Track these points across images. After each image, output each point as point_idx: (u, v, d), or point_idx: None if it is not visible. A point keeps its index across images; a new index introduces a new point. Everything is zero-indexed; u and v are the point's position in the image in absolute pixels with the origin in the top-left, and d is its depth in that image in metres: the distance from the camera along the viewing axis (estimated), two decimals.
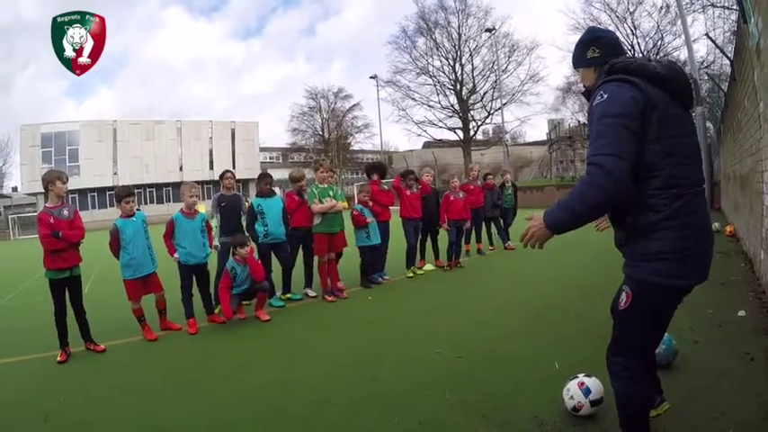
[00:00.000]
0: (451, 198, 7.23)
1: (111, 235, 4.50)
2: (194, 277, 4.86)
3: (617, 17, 24.64)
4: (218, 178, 6.04)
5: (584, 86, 1.98)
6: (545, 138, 34.46)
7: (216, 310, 5.02)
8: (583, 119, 31.63)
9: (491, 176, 9.09)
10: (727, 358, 3.03)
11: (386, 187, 6.84)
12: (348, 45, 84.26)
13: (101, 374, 3.69)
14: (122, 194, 4.52)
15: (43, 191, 4.20)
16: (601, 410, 2.41)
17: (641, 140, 1.65)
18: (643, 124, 1.65)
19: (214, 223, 5.38)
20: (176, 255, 4.72)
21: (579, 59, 1.97)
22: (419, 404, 2.78)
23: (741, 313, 3.90)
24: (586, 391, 2.39)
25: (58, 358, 3.98)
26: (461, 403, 2.75)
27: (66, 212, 4.12)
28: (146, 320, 4.58)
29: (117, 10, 66.10)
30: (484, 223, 8.79)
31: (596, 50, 1.90)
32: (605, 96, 1.69)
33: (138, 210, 4.65)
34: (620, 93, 1.68)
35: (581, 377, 2.47)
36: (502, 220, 8.96)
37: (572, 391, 2.43)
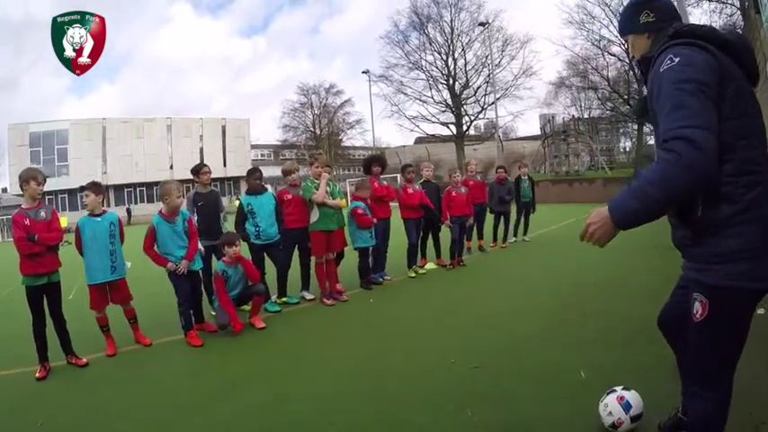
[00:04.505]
0: (453, 193, 6.92)
1: (74, 234, 4.16)
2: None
3: (611, 11, 24.36)
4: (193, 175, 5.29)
5: (635, 56, 1.72)
6: (538, 133, 34.22)
7: (213, 313, 4.67)
8: (576, 113, 31.48)
9: (502, 170, 8.92)
10: (755, 361, 2.80)
11: (384, 182, 6.54)
12: (349, 43, 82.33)
13: (82, 393, 3.36)
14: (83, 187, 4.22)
15: None
16: (641, 426, 2.17)
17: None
18: (719, 97, 1.39)
19: None
20: (170, 264, 4.23)
21: (630, 24, 1.70)
22: (435, 423, 2.50)
23: (760, 311, 3.71)
24: (626, 406, 2.15)
25: (37, 374, 3.64)
26: (483, 422, 2.47)
27: (43, 214, 3.80)
28: (110, 331, 4.22)
29: (125, 6, 64.90)
30: (494, 217, 8.65)
31: (651, 14, 1.63)
32: (676, 60, 1.42)
33: (109, 210, 4.26)
34: (694, 56, 1.41)
35: (619, 390, 2.22)
36: (522, 214, 9.03)
37: (611, 407, 2.17)
